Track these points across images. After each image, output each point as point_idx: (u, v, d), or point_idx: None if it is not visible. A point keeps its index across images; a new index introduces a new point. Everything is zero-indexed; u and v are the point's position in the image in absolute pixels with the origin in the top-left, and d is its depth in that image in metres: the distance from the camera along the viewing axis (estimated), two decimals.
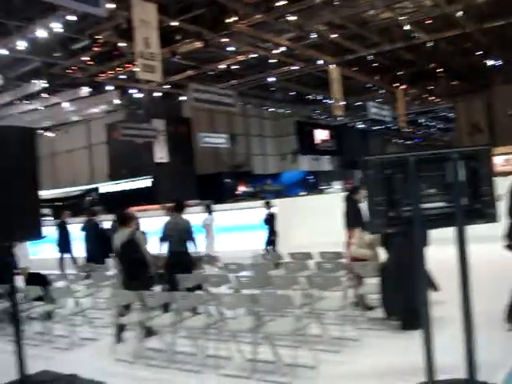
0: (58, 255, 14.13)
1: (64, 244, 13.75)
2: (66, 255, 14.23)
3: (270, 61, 27.45)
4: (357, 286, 7.67)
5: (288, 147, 43.15)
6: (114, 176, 33.96)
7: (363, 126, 48.57)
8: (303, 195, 29.03)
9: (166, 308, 7.33)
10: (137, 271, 7.79)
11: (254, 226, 15.41)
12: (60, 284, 9.67)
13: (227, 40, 23.23)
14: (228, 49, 24.83)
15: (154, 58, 17.43)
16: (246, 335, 6.63)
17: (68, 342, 7.83)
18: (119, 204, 25.14)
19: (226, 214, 17.14)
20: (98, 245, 12.57)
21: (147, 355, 6.91)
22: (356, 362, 6.11)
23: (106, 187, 33.77)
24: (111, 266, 10.86)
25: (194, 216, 11.61)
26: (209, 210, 14.63)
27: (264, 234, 14.26)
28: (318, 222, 14.22)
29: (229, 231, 16.24)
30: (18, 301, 3.91)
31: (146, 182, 31.88)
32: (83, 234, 13.63)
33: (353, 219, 8.81)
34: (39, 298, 8.37)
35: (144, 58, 17.07)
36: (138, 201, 27.35)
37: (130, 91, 29.79)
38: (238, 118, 39.15)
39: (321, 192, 31.72)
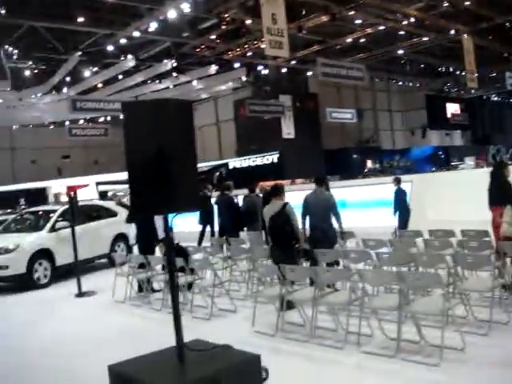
0: (199, 228, 14.35)
1: (206, 217, 13.94)
2: (207, 228, 14.43)
3: (399, 33, 26.52)
4: (506, 267, 7.22)
5: (417, 122, 41.77)
6: (241, 152, 34.49)
7: (498, 98, 45.92)
8: (435, 171, 27.98)
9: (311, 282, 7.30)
10: (286, 243, 7.91)
11: (383, 203, 15.02)
12: (198, 256, 9.93)
13: (354, 13, 22.69)
14: (355, 22, 24.25)
15: (281, 34, 17.32)
16: (387, 313, 6.47)
17: (207, 312, 8.01)
18: (247, 179, 25.64)
19: (354, 190, 16.86)
20: (232, 219, 12.72)
21: (287, 329, 6.92)
22: (505, 347, 5.77)
23: (235, 163, 34.37)
24: (246, 240, 11.04)
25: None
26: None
27: (393, 210, 13.75)
28: (456, 198, 13.57)
29: (357, 207, 15.95)
30: (174, 271, 3.97)
31: (273, 158, 32.08)
32: (217, 207, 13.84)
33: (500, 196, 8.31)
34: (179, 270, 8.63)
35: (271, 34, 17.00)
36: (265, 176, 27.66)
37: (257, 68, 29.97)
38: (365, 92, 38.41)
39: (453, 168, 30.46)
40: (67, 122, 35.21)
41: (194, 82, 29.79)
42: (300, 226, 8.40)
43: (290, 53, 20.09)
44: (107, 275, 11.38)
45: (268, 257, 8.62)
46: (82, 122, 34.71)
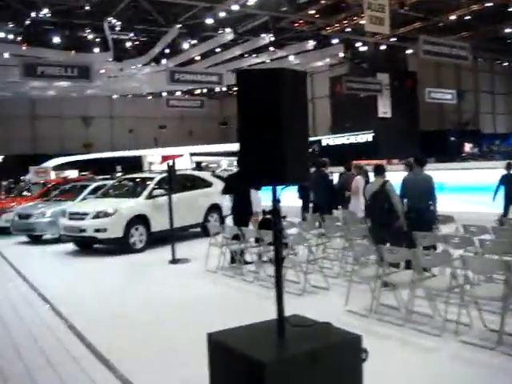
0: (299, 203, 14.15)
1: (304, 192, 13.67)
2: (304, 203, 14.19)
3: (507, 9, 25.21)
4: None
5: None
6: (335, 129, 34.12)
7: None
8: None
9: (407, 265, 7.12)
10: (386, 220, 7.83)
11: (483, 188, 14.40)
12: (292, 231, 9.88)
13: None
14: None
15: (382, 10, 16.88)
16: (488, 303, 6.19)
17: (300, 288, 7.96)
18: (340, 157, 25.30)
19: (452, 174, 16.29)
20: (327, 196, 12.52)
21: (381, 311, 6.78)
22: None
23: (328, 140, 34.07)
24: (340, 218, 10.86)
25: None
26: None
27: (493, 196, 13.03)
28: None
29: (456, 191, 15.41)
30: (280, 244, 3.92)
31: (367, 137, 31.56)
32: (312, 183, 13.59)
33: None
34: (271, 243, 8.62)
35: (372, 10, 16.60)
36: (358, 155, 27.27)
37: (355, 45, 29.42)
38: (466, 72, 36.97)
39: None
40: (164, 93, 36.05)
41: (291, 57, 29.60)
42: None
43: (391, 29, 19.58)
44: (200, 244, 11.50)
45: (364, 236, 8.48)
46: (178, 93, 35.37)
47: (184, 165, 28.86)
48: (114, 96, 38.96)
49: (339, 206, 12.68)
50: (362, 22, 25.51)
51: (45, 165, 30.18)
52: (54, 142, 39.00)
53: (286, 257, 8.09)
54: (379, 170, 8.41)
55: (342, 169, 13.87)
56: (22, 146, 37.65)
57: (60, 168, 32.75)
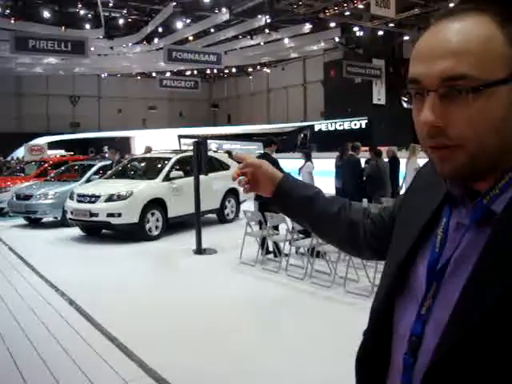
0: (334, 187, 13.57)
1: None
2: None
3: None
4: None
5: None
6: (328, 115, 33.71)
7: None
8: None
9: None
10: None
11: None
12: None
13: None
14: None
15: None
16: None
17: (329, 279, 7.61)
18: (332, 143, 24.84)
19: None
20: (356, 183, 11.88)
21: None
22: None
23: (320, 125, 33.66)
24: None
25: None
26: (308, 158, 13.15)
27: None
28: None
29: None
30: None
31: (361, 123, 31.20)
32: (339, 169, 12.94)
33: None
34: (303, 232, 8.14)
35: None
36: (352, 141, 26.86)
37: (353, 29, 28.90)
38: None
39: None
40: (154, 74, 35.34)
41: (286, 40, 29.05)
42: None
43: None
44: (219, 232, 10.88)
45: None
46: (168, 74, 34.68)
47: (172, 147, 28.22)
48: (103, 75, 38.09)
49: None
50: (360, 6, 25.26)
51: (37, 141, 29.17)
52: (40, 121, 38.04)
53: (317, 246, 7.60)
54: None
55: (331, 154, 13.27)
56: (6, 124, 36.67)
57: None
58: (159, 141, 33.69)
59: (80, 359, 4.94)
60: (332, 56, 32.99)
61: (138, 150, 31.97)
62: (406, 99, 1.01)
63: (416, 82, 0.98)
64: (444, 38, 0.94)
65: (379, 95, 30.20)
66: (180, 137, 35.04)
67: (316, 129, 33.57)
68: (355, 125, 31.59)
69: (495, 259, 0.91)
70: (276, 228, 9.01)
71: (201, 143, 10.13)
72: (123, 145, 32.75)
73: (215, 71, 38.44)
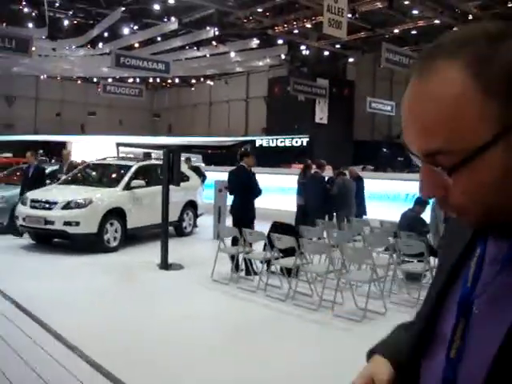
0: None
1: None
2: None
3: (453, 29, 25.72)
4: None
5: None
6: (270, 131, 33.82)
7: None
8: None
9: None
10: None
11: None
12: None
13: (411, 2, 22.03)
14: (413, 12, 23.57)
15: (341, 14, 16.78)
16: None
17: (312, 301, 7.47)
18: (273, 159, 24.85)
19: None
20: (321, 201, 11.90)
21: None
22: None
23: (262, 141, 33.73)
24: None
25: None
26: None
27: None
28: None
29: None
30: None
31: (302, 141, 31.47)
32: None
33: None
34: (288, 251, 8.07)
35: (331, 13, 16.44)
36: (292, 158, 27.16)
37: (300, 48, 29.27)
38: (398, 86, 37.57)
39: None
40: (95, 79, 34.54)
41: (232, 54, 29.05)
42: None
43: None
44: (178, 246, 10.38)
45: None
46: (109, 80, 33.99)
47: (110, 155, 27.60)
48: (42, 76, 36.79)
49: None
50: (308, 25, 25.58)
51: None
52: None
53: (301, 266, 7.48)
54: None
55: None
56: None
57: None
58: (97, 148, 33.01)
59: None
60: (276, 73, 33.23)
61: (75, 155, 31.00)
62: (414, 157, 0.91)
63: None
64: (416, 110, 0.86)
65: (322, 114, 30.63)
66: (118, 145, 34.31)
67: (257, 144, 33.59)
68: (296, 142, 31.83)
69: None
70: (250, 245, 8.81)
71: (174, 152, 9.66)
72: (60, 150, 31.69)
73: (158, 80, 37.93)
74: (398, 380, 1.10)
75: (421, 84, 0.86)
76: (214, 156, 32.32)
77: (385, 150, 34.19)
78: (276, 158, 27.63)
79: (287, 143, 32.20)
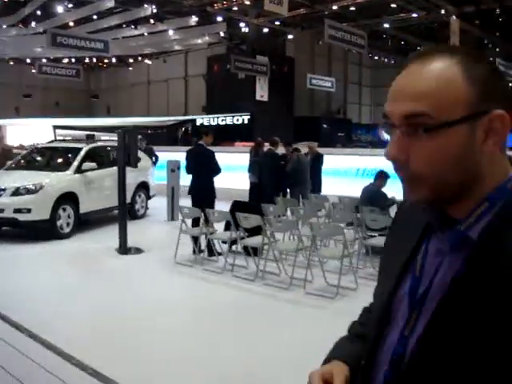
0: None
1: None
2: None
3: (390, 6, 26.03)
4: None
5: (384, 99, 41.51)
6: (210, 110, 33.55)
7: None
8: None
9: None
10: None
11: None
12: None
13: None
14: None
15: None
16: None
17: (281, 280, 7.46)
18: (215, 138, 24.63)
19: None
20: (276, 179, 11.89)
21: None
22: None
23: (203, 120, 33.42)
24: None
25: None
26: None
27: None
28: None
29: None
30: None
31: (243, 119, 31.37)
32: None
33: None
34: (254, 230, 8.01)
35: None
36: (234, 137, 27.10)
37: (239, 25, 29.06)
38: (337, 63, 37.93)
39: None
40: (28, 60, 33.43)
41: (170, 32, 28.59)
42: None
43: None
44: (133, 229, 9.80)
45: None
46: (44, 60, 32.90)
47: (46, 138, 26.84)
48: None
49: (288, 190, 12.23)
50: (247, 2, 25.40)
51: None
52: None
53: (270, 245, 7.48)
54: None
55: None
56: None
57: None
58: (33, 131, 32.05)
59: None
60: (215, 51, 32.92)
61: (10, 139, 30.00)
62: (384, 129, 1.10)
63: (387, 117, 1.08)
64: (410, 81, 1.04)
65: (262, 92, 30.53)
66: (55, 127, 33.36)
67: (198, 123, 33.28)
68: (237, 120, 31.69)
69: (466, 285, 0.99)
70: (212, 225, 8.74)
71: (130, 132, 9.39)
72: None
73: (94, 60, 36.95)
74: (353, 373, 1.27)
75: (419, 65, 1.04)
76: (154, 136, 31.84)
77: (325, 125, 34.52)
78: (217, 137, 27.43)
79: (228, 121, 31.99)
